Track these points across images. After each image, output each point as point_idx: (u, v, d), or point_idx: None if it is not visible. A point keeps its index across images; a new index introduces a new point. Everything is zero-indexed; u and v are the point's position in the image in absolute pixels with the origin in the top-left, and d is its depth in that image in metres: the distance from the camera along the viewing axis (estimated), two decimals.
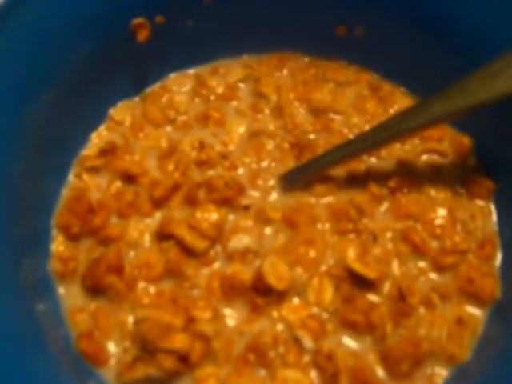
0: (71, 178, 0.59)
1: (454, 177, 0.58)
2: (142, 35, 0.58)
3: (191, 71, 0.65)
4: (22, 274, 0.51)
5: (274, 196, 0.57)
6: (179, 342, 0.48)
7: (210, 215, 0.54)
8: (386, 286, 0.52)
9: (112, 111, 0.62)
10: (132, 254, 0.54)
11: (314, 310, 0.51)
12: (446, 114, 0.50)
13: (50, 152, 0.56)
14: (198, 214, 0.54)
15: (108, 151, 0.58)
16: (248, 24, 0.62)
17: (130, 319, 0.52)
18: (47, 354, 0.49)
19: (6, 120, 0.50)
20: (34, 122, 0.53)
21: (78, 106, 0.58)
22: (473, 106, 0.49)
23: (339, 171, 0.57)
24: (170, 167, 0.57)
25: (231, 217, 0.55)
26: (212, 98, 0.63)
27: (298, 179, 0.57)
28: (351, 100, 0.62)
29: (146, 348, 0.48)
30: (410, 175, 0.57)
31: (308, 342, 0.50)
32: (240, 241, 0.54)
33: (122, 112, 0.62)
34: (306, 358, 0.50)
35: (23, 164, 0.52)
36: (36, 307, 0.51)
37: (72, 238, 0.55)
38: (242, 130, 0.60)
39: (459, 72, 0.50)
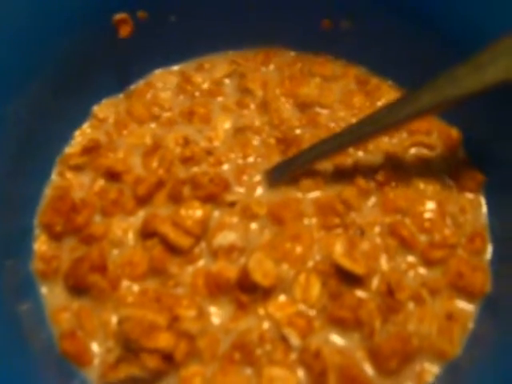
0: (54, 176, 0.58)
1: (443, 170, 0.57)
2: (125, 31, 0.57)
3: (176, 67, 0.64)
4: (4, 274, 0.51)
5: (259, 191, 0.56)
6: (163, 341, 0.47)
7: (195, 212, 0.53)
8: (375, 282, 0.51)
9: (96, 108, 0.61)
10: (115, 252, 0.53)
11: (301, 306, 0.50)
12: (433, 105, 0.49)
13: (33, 151, 0.55)
14: (183, 211, 0.53)
15: (91, 149, 0.58)
16: (233, 19, 0.62)
17: (114, 318, 0.51)
18: (30, 355, 0.48)
19: None
20: (16, 121, 0.52)
21: (60, 104, 0.57)
22: (461, 96, 0.48)
23: (326, 165, 0.56)
24: (154, 164, 0.57)
25: (216, 213, 0.54)
26: (197, 94, 0.62)
27: (284, 174, 0.56)
28: (338, 94, 0.61)
29: (129, 347, 0.48)
30: (398, 169, 0.56)
31: (295, 340, 0.49)
32: (225, 237, 0.53)
33: (106, 109, 0.61)
34: (293, 356, 0.49)
35: (5, 164, 0.52)
36: (18, 307, 0.50)
37: (55, 236, 0.54)
38: (227, 125, 0.60)
39: (447, 64, 0.49)
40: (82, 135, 0.60)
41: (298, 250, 0.52)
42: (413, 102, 0.50)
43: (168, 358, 0.47)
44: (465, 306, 0.51)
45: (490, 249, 0.53)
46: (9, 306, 0.49)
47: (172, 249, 0.52)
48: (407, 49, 0.59)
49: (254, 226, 0.54)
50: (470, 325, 0.51)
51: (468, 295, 0.51)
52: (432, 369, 0.49)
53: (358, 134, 0.53)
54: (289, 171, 0.56)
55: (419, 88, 0.50)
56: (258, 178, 0.56)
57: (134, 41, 0.59)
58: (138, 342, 0.46)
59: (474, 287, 0.51)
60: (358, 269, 0.50)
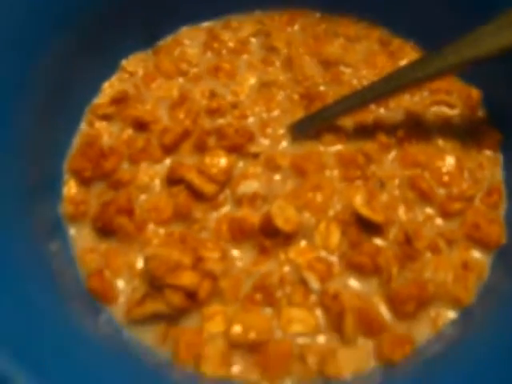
0: (83, 125, 0.59)
1: (463, 128, 0.58)
2: None
3: (203, 25, 0.65)
4: (34, 216, 0.52)
5: (283, 144, 0.57)
6: (187, 278, 0.48)
7: (220, 161, 0.54)
8: (393, 231, 0.53)
9: (124, 62, 0.63)
10: (142, 197, 0.55)
11: (321, 252, 0.52)
12: (454, 65, 0.51)
13: (63, 101, 0.57)
14: (208, 160, 0.54)
15: (120, 100, 0.59)
16: None
17: (140, 259, 0.52)
18: (59, 292, 0.50)
19: (18, 68, 0.51)
20: (47, 71, 0.54)
21: (89, 57, 0.59)
22: (482, 56, 0.49)
23: (348, 121, 0.58)
24: (181, 115, 0.58)
25: (240, 163, 0.56)
26: (224, 51, 0.64)
27: (307, 128, 0.57)
28: (361, 54, 0.63)
29: (154, 285, 0.49)
30: (418, 126, 0.58)
31: (314, 283, 0.50)
32: (249, 186, 0.54)
33: (135, 63, 0.62)
34: (312, 299, 0.50)
35: (36, 113, 0.53)
36: (48, 248, 0.52)
37: (84, 182, 0.56)
38: (252, 81, 0.61)
39: (468, 27, 0.50)
40: (111, 87, 0.61)
41: (319, 199, 0.54)
42: (434, 61, 0.51)
43: (191, 295, 0.49)
44: (480, 256, 0.52)
45: (506, 203, 0.54)
46: (39, 246, 0.51)
47: (197, 195, 0.54)
48: (430, 10, 0.60)
49: (277, 176, 0.55)
50: (485, 274, 0.52)
51: (483, 246, 0.52)
52: (447, 314, 0.50)
53: (380, 90, 0.54)
54: (312, 126, 0.57)
55: (441, 48, 0.51)
56: (281, 131, 0.58)
57: None
58: (163, 279, 0.48)
59: (490, 239, 0.52)
60: (376, 217, 0.51)
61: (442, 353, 0.48)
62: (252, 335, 0.48)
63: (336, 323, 0.49)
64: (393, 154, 0.56)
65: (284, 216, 0.51)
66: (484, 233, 0.52)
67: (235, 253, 0.52)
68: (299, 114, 0.58)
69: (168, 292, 0.48)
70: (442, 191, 0.54)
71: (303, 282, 0.51)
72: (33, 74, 0.52)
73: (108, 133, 0.58)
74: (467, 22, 0.51)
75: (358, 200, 0.53)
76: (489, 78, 0.57)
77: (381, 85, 0.54)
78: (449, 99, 0.59)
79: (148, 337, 0.50)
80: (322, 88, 0.60)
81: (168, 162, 0.56)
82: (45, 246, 0.52)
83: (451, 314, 0.50)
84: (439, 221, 0.53)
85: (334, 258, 0.52)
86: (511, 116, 0.56)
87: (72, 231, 0.55)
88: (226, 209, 0.54)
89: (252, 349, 0.48)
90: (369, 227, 0.52)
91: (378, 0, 0.62)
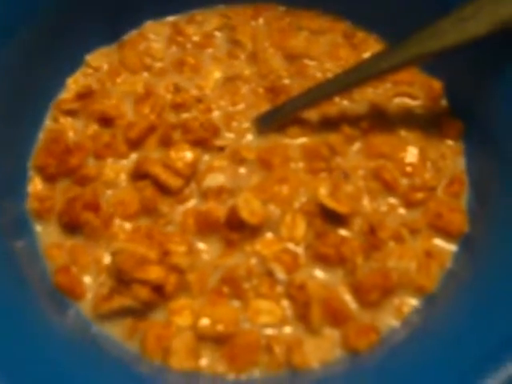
0: (48, 121, 0.59)
1: (425, 119, 0.59)
2: None
3: (168, 19, 0.65)
4: (0, 214, 0.52)
5: (248, 138, 0.58)
6: (154, 273, 0.49)
7: (185, 155, 0.55)
8: (357, 222, 0.53)
9: (89, 57, 0.62)
10: (108, 193, 0.55)
11: (287, 244, 0.52)
12: (417, 56, 0.51)
13: (26, 96, 0.56)
14: (173, 154, 0.54)
15: (85, 95, 0.59)
16: None
17: (107, 255, 0.53)
18: (26, 289, 0.50)
19: None
20: (9, 67, 0.53)
21: (53, 51, 0.58)
22: (444, 48, 0.50)
23: (313, 114, 0.58)
24: (146, 110, 0.58)
25: (206, 157, 0.56)
26: (188, 45, 0.63)
27: (272, 121, 0.57)
28: (325, 47, 0.63)
29: (121, 279, 0.49)
30: (382, 117, 0.58)
31: (281, 274, 0.51)
32: (214, 179, 0.55)
33: (99, 58, 0.62)
34: (279, 289, 0.51)
35: None
36: (14, 244, 0.52)
37: (49, 178, 0.56)
38: (217, 75, 0.61)
39: (432, 19, 0.51)
40: (75, 82, 0.61)
41: (285, 191, 0.54)
42: (397, 53, 0.52)
43: (158, 289, 0.49)
44: (443, 244, 0.53)
45: (467, 192, 0.55)
46: (5, 243, 0.51)
47: (163, 189, 0.54)
48: (393, 3, 0.60)
49: (242, 169, 0.56)
50: (448, 263, 0.53)
51: (446, 235, 0.53)
52: (410, 302, 0.51)
53: (344, 82, 0.55)
54: (277, 119, 0.57)
55: (404, 40, 0.52)
56: (246, 124, 0.58)
57: None
58: (130, 274, 0.48)
59: (452, 227, 0.53)
60: (341, 208, 0.52)
61: (406, 340, 0.49)
62: (220, 327, 0.49)
63: (302, 313, 0.50)
64: (357, 146, 0.57)
65: (250, 209, 0.51)
66: (446, 221, 0.53)
67: (202, 246, 0.53)
68: (264, 107, 0.59)
69: (135, 286, 0.49)
70: (405, 181, 0.55)
71: (270, 274, 0.51)
72: None
73: (73, 128, 0.58)
74: (430, 15, 0.52)
75: (323, 191, 0.54)
76: (450, 69, 0.57)
77: (345, 77, 0.55)
78: (411, 91, 0.60)
79: (116, 331, 0.50)
80: (286, 81, 0.60)
81: (134, 156, 0.56)
82: (11, 243, 0.52)
83: (415, 302, 0.51)
84: (402, 211, 0.54)
85: (299, 250, 0.52)
86: (472, 106, 0.57)
87: (38, 228, 0.55)
88: (191, 202, 0.54)
89: (220, 341, 0.49)
90: (334, 218, 0.53)
91: None
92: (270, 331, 0.50)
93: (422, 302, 0.51)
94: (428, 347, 0.47)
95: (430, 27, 0.51)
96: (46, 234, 0.54)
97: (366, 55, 0.62)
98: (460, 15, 0.50)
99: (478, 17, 0.49)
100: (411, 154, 0.57)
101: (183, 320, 0.50)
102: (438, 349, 0.46)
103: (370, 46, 0.63)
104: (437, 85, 0.60)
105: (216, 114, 0.59)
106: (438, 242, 0.53)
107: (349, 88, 0.55)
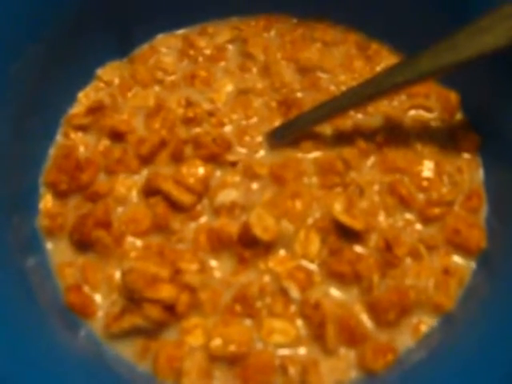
0: (59, 137, 0.59)
1: (441, 132, 0.58)
2: None
3: (179, 32, 0.65)
4: (10, 231, 0.51)
5: (261, 153, 0.57)
6: (165, 292, 0.48)
7: (197, 170, 0.54)
8: (373, 238, 0.52)
9: (100, 71, 0.62)
10: (120, 209, 0.54)
11: (301, 261, 0.51)
12: (433, 70, 0.50)
13: (37, 112, 0.56)
14: (185, 170, 0.54)
15: (96, 110, 0.59)
16: None
17: (118, 273, 0.52)
18: (37, 307, 0.49)
19: None
20: (20, 82, 0.53)
21: (65, 66, 0.58)
22: (460, 61, 0.49)
23: (326, 127, 0.57)
24: (157, 125, 0.57)
25: (218, 173, 0.55)
26: (200, 58, 0.63)
27: (285, 136, 0.57)
28: (339, 59, 0.62)
29: (132, 298, 0.49)
30: (397, 130, 0.57)
31: (295, 293, 0.50)
32: (227, 195, 0.54)
33: (111, 72, 0.62)
34: (293, 308, 0.50)
35: (10, 124, 0.53)
36: (25, 263, 0.51)
37: (60, 195, 0.55)
38: (229, 88, 0.60)
39: (446, 29, 0.50)
40: (86, 97, 0.60)
41: (298, 207, 0.53)
42: (412, 66, 0.51)
43: (170, 309, 0.48)
44: (461, 261, 0.52)
45: (486, 207, 0.54)
46: (16, 261, 0.50)
47: (174, 206, 0.53)
48: (407, 14, 0.59)
49: (255, 185, 0.55)
50: (466, 279, 0.51)
51: (464, 251, 0.52)
52: (428, 321, 0.50)
53: (358, 97, 0.54)
54: (290, 133, 0.57)
55: (419, 53, 0.50)
56: (259, 139, 0.57)
57: (139, 5, 0.59)
58: (141, 293, 0.48)
59: (470, 243, 0.52)
60: (356, 225, 0.51)
61: (424, 360, 0.48)
62: (232, 348, 0.48)
63: (317, 333, 0.49)
64: (372, 160, 0.56)
65: (263, 225, 0.51)
66: (464, 238, 0.52)
67: (214, 263, 0.52)
68: (277, 121, 0.58)
69: (146, 306, 0.48)
70: (421, 196, 0.54)
71: (283, 292, 0.50)
72: (6, 85, 0.51)
73: (84, 144, 0.58)
74: (444, 25, 0.51)
75: (338, 207, 0.53)
76: (467, 81, 0.56)
77: (358, 91, 0.54)
78: (427, 103, 0.59)
79: (128, 351, 0.50)
80: (299, 94, 0.60)
81: (145, 172, 0.56)
82: (22, 261, 0.51)
83: (433, 321, 0.50)
84: (419, 226, 0.53)
85: (314, 267, 0.51)
86: (489, 118, 0.56)
87: (49, 245, 0.54)
88: (203, 219, 0.53)
89: (232, 361, 0.48)
90: (349, 234, 0.52)
91: (354, 4, 0.62)
92: (283, 351, 0.49)
93: (440, 321, 0.50)
94: (446, 368, 0.46)
95: (445, 40, 0.49)
96: (58, 251, 0.54)
97: (380, 67, 0.61)
98: (476, 28, 0.48)
99: (495, 29, 0.48)
100: (427, 168, 0.55)
101: (195, 340, 0.49)
102: (457, 370, 0.45)
103: (384, 58, 0.62)
104: (453, 97, 0.58)
105: (228, 128, 0.58)
106: (456, 258, 0.52)
107: (363, 103, 0.54)
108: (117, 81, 0.61)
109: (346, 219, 0.51)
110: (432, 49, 0.50)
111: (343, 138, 0.57)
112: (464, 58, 0.49)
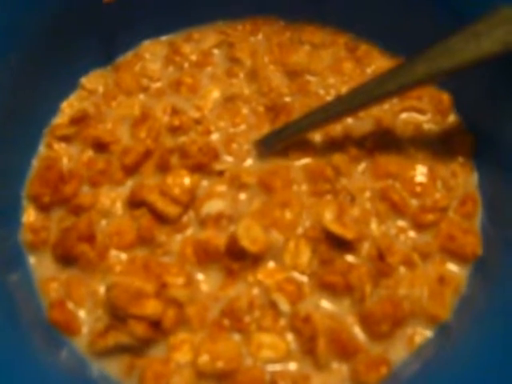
0: (42, 148, 0.57)
1: (434, 134, 0.56)
2: None
3: (164, 38, 0.63)
4: None
5: (249, 161, 0.55)
6: (151, 308, 0.46)
7: (183, 181, 0.52)
8: (365, 247, 0.51)
9: (84, 80, 0.60)
10: (104, 222, 0.53)
11: (291, 273, 0.50)
12: (428, 76, 0.48)
13: (20, 123, 0.55)
14: (170, 180, 0.52)
15: (79, 120, 0.57)
16: None
17: (102, 288, 0.50)
18: (20, 324, 0.48)
19: None
20: (2, 92, 0.51)
21: (47, 74, 0.57)
22: (456, 67, 0.47)
23: (315, 133, 0.56)
24: (142, 134, 0.56)
25: (205, 182, 0.54)
26: (186, 65, 0.62)
27: (273, 144, 0.55)
28: (328, 61, 0.61)
29: (117, 315, 0.47)
30: (388, 134, 0.56)
31: (284, 306, 0.48)
32: (213, 206, 0.52)
33: (95, 80, 0.60)
34: (283, 322, 0.48)
35: None
36: (8, 278, 0.50)
37: (43, 207, 0.54)
38: (216, 94, 0.59)
39: (436, 28, 0.49)
40: (70, 106, 0.59)
41: (288, 216, 0.52)
42: (406, 72, 0.49)
43: (156, 325, 0.47)
44: (456, 269, 0.51)
45: (481, 212, 0.53)
46: None
47: (160, 218, 0.52)
48: (395, 13, 0.58)
49: (242, 195, 0.54)
50: (462, 288, 0.50)
51: (459, 258, 0.51)
52: (423, 332, 0.48)
53: (350, 104, 0.52)
54: (278, 141, 0.55)
55: (413, 58, 0.49)
56: (247, 147, 0.56)
57: (122, 11, 0.58)
58: (126, 309, 0.46)
59: (466, 250, 0.50)
60: (347, 234, 0.49)
61: (418, 373, 0.47)
62: (220, 364, 0.46)
63: (308, 347, 0.47)
64: (363, 166, 0.54)
65: (251, 236, 0.49)
66: (459, 244, 0.50)
67: (201, 277, 0.50)
68: (265, 127, 0.57)
69: (131, 322, 0.46)
70: (414, 202, 0.53)
71: (273, 305, 0.49)
72: None
73: (67, 155, 0.56)
74: (434, 23, 0.51)
75: (328, 216, 0.51)
76: (459, 82, 0.54)
77: (349, 99, 0.52)
78: (419, 105, 0.57)
79: (113, 368, 0.48)
80: (287, 99, 0.58)
81: (130, 183, 0.54)
82: (4, 277, 0.50)
83: (428, 332, 0.49)
84: (412, 234, 0.51)
85: (304, 278, 0.50)
86: (483, 120, 0.54)
87: (32, 260, 0.53)
88: (190, 231, 0.52)
89: (221, 378, 0.47)
90: (340, 244, 0.50)
91: (343, 5, 0.60)
92: (273, 367, 0.47)
93: (435, 331, 0.48)
94: (442, 381, 0.45)
95: (440, 44, 0.48)
96: (41, 266, 0.52)
97: (371, 69, 0.60)
98: (472, 32, 0.47)
99: (491, 33, 0.46)
100: (420, 173, 0.54)
101: (183, 356, 0.47)
102: (453, 382, 0.43)
103: (375, 59, 0.61)
104: (446, 98, 0.57)
105: (215, 136, 0.56)
106: (451, 266, 0.51)
107: (355, 110, 0.52)
108: (101, 89, 0.60)
109: (336, 228, 0.50)
110: (427, 54, 0.48)
111: (333, 144, 0.55)
112: (460, 63, 0.47)
